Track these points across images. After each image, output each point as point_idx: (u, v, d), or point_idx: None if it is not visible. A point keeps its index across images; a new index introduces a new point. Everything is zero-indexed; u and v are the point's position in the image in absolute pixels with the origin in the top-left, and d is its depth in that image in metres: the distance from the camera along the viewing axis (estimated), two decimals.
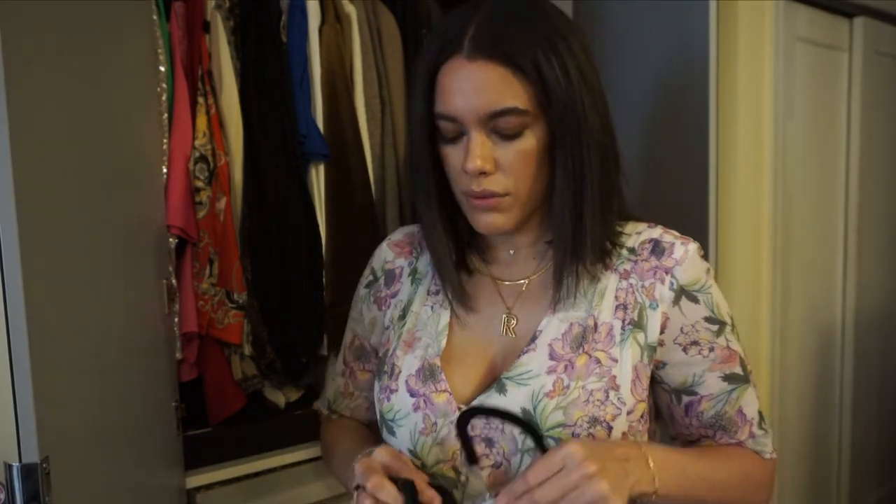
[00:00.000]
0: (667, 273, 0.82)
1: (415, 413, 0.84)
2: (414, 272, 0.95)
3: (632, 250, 0.85)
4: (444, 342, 0.87)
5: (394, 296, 0.95)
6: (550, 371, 0.80)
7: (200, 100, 1.47)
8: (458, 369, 0.85)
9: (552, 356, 0.81)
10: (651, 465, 0.74)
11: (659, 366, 0.85)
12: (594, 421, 0.78)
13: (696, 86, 1.67)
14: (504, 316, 0.87)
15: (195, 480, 1.47)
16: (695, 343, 0.84)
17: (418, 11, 1.79)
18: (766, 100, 1.87)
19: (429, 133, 0.81)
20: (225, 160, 1.49)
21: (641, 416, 0.82)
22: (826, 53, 2.09)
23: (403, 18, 1.75)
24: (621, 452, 0.73)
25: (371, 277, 1.00)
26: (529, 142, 0.78)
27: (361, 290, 1.01)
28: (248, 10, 1.54)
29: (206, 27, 1.51)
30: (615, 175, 0.83)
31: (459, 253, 0.90)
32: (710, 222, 1.66)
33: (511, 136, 0.77)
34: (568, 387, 0.79)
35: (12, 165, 0.76)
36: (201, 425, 1.52)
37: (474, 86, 0.75)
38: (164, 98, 1.41)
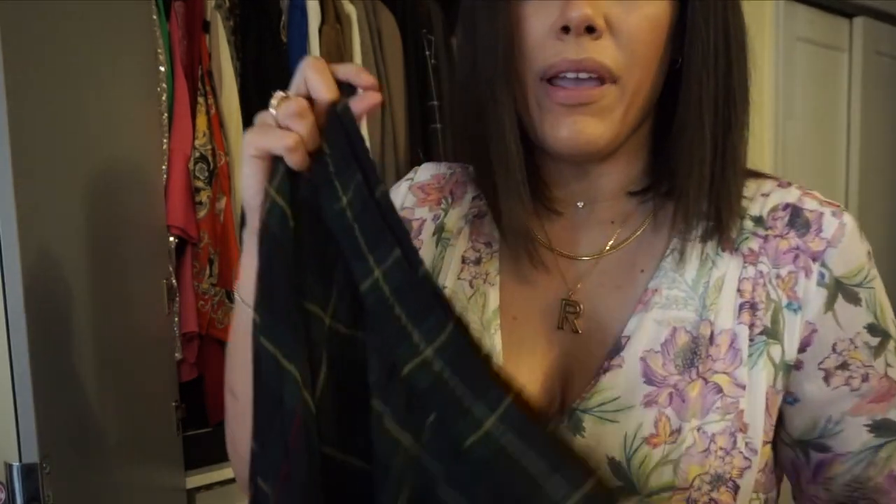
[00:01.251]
0: (815, 260, 0.55)
1: None
2: (441, 229, 0.66)
3: (759, 220, 0.57)
4: (497, 339, 0.59)
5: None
6: (649, 403, 0.54)
7: (200, 100, 1.47)
8: (518, 376, 0.54)
9: (649, 378, 0.54)
10: None
11: (787, 399, 0.57)
12: (717, 480, 0.53)
13: None
14: (562, 302, 0.59)
15: (195, 480, 1.47)
16: (843, 367, 0.55)
17: (418, 11, 1.80)
18: (767, 99, 1.88)
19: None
20: (225, 160, 1.49)
21: (766, 465, 0.57)
22: (826, 53, 2.09)
23: (403, 18, 1.76)
24: None
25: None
26: (661, 6, 0.53)
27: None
28: (248, 11, 1.54)
29: (206, 27, 1.51)
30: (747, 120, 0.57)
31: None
32: None
33: None
34: (679, 430, 0.53)
35: (12, 165, 0.76)
36: (201, 425, 1.52)
37: None
38: (164, 98, 1.41)
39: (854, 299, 0.55)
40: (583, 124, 0.53)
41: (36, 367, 0.79)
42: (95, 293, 0.99)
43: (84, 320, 0.95)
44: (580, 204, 0.61)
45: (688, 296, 0.56)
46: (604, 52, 0.52)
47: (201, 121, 1.46)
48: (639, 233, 0.59)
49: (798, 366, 0.55)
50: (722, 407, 0.53)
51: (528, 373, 0.57)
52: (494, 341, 0.59)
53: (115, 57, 1.12)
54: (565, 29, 0.51)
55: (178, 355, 1.42)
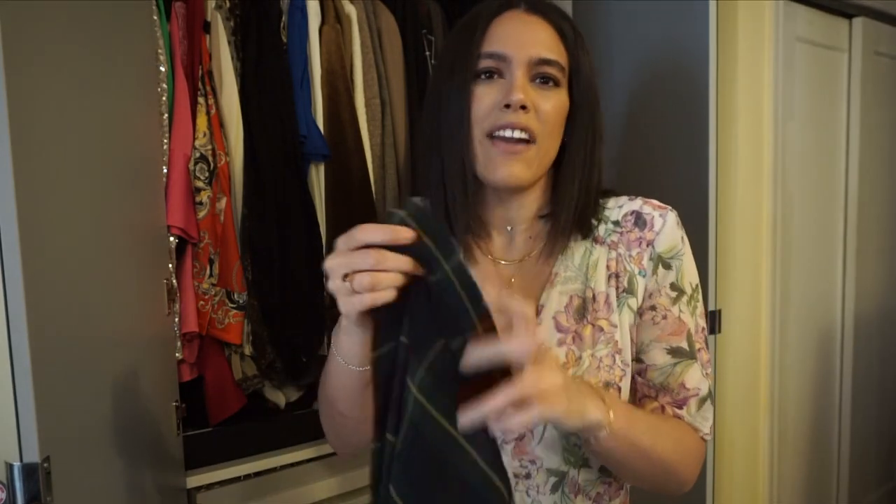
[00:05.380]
0: (649, 245, 0.88)
1: None
2: None
3: (616, 223, 0.90)
4: None
5: None
6: (560, 343, 0.85)
7: (200, 100, 1.47)
8: None
9: (559, 328, 0.86)
10: (606, 400, 0.75)
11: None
12: (607, 385, 0.84)
13: (696, 86, 1.68)
14: (505, 292, 0.87)
15: (195, 480, 1.47)
16: (652, 308, 0.88)
17: (418, 11, 1.80)
18: (766, 100, 1.88)
19: (473, 75, 0.85)
20: (225, 160, 1.49)
21: (633, 374, 0.89)
22: (826, 54, 2.09)
23: (403, 18, 1.76)
24: (584, 385, 0.76)
25: None
26: (562, 98, 0.86)
27: None
28: (248, 11, 1.54)
29: (207, 27, 1.51)
30: (602, 157, 0.91)
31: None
32: (710, 222, 1.66)
33: (550, 83, 0.85)
34: (580, 357, 0.85)
35: (12, 165, 0.76)
36: (201, 425, 1.52)
37: (530, 33, 0.84)
38: (164, 98, 1.42)
39: (667, 266, 0.88)
40: (514, 168, 0.84)
41: (36, 367, 0.79)
42: (95, 293, 0.99)
43: (84, 320, 0.95)
44: (509, 228, 0.92)
45: (576, 274, 0.89)
46: (530, 121, 0.83)
47: (201, 121, 1.46)
48: (544, 242, 0.91)
49: (639, 309, 0.88)
50: (604, 339, 0.86)
51: None
52: None
53: (115, 57, 1.12)
54: (508, 105, 0.82)
55: (178, 355, 1.42)
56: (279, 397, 1.62)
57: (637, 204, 0.91)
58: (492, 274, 0.91)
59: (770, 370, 1.95)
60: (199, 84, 1.47)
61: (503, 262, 0.92)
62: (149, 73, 1.33)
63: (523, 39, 0.84)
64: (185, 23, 1.48)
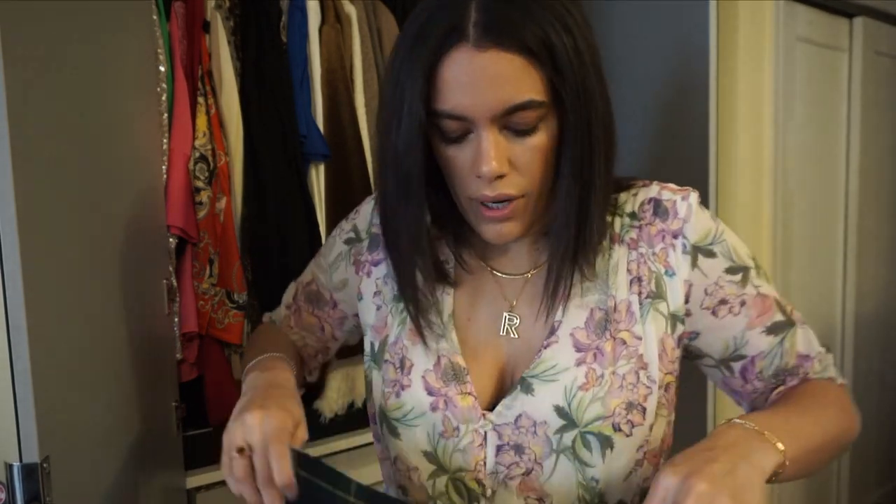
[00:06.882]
0: (676, 237, 0.75)
1: (432, 413, 0.76)
2: None
3: (633, 215, 0.77)
4: (454, 336, 0.79)
5: (375, 264, 0.86)
6: (580, 363, 0.74)
7: (200, 100, 1.47)
8: (475, 368, 0.78)
9: (578, 346, 0.75)
10: (765, 433, 0.64)
11: (691, 337, 0.78)
12: (630, 406, 0.73)
13: (696, 86, 1.67)
14: (505, 314, 0.79)
15: (195, 480, 1.47)
16: (723, 302, 0.76)
17: None
18: (766, 100, 1.88)
19: (422, 133, 0.69)
20: (225, 160, 1.49)
21: (666, 390, 0.76)
22: (826, 53, 2.09)
23: (403, 18, 1.75)
24: (723, 442, 0.62)
25: (352, 234, 0.90)
26: (543, 136, 0.69)
27: (339, 244, 0.91)
28: (248, 11, 1.54)
29: (206, 27, 1.51)
30: (614, 158, 0.75)
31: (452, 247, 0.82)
32: None
33: (526, 131, 0.68)
34: (602, 376, 0.73)
35: (12, 165, 0.76)
36: (201, 425, 1.52)
37: (487, 79, 0.65)
38: (164, 98, 1.41)
39: (710, 254, 0.76)
40: (505, 229, 0.72)
41: (36, 367, 0.79)
42: (95, 293, 0.99)
43: (84, 320, 0.95)
44: (512, 243, 0.79)
45: (595, 283, 0.76)
46: (510, 185, 0.69)
47: (201, 121, 1.46)
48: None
49: (688, 313, 0.76)
50: (626, 354, 0.74)
51: (487, 363, 0.78)
52: (454, 338, 0.78)
53: (115, 57, 1.12)
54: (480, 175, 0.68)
55: (178, 355, 1.42)
56: None
57: (654, 190, 0.78)
58: (491, 290, 0.80)
59: None
60: (199, 84, 1.47)
61: (505, 275, 0.80)
62: (149, 73, 1.33)
63: (482, 91, 0.65)
64: (184, 22, 1.48)
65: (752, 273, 0.78)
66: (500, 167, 0.67)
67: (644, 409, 0.73)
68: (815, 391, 0.78)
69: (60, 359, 0.87)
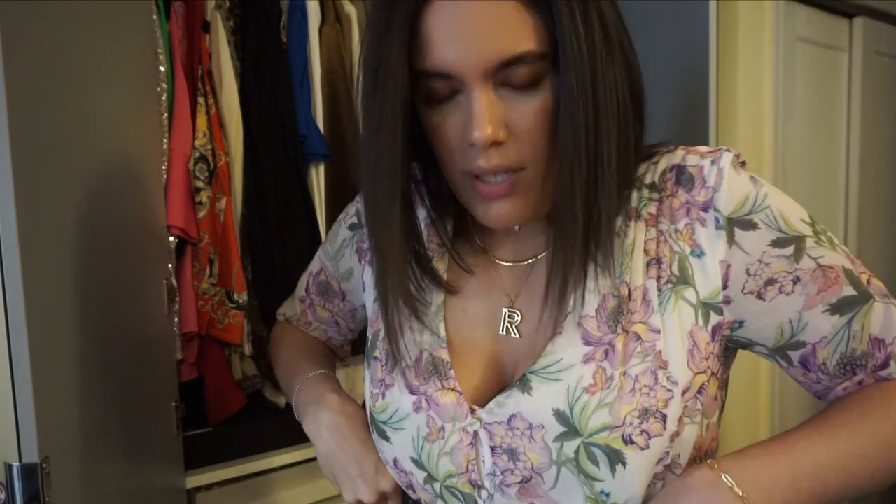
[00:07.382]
0: (706, 209, 0.62)
1: (416, 415, 0.69)
2: None
3: (652, 186, 0.65)
4: (442, 328, 0.70)
5: None
6: (588, 359, 0.62)
7: (200, 100, 1.47)
8: (463, 363, 0.69)
9: (587, 339, 0.62)
10: (739, 491, 0.56)
11: (734, 326, 0.64)
12: (645, 413, 0.60)
13: (697, 86, 1.67)
14: (505, 311, 0.69)
15: (195, 480, 1.47)
16: (770, 282, 0.62)
17: None
18: (766, 100, 1.87)
19: (403, 100, 0.59)
20: (225, 160, 1.49)
21: (699, 392, 0.62)
22: (826, 53, 2.09)
23: None
24: (687, 499, 0.57)
25: (355, 220, 0.83)
26: (546, 96, 0.59)
27: (344, 229, 0.85)
28: (248, 11, 1.54)
29: (206, 27, 1.51)
30: (640, 128, 0.65)
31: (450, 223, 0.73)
32: None
33: (526, 87, 0.58)
34: (612, 377, 0.61)
35: (12, 165, 0.76)
36: (201, 425, 1.52)
37: (477, 28, 0.56)
38: (164, 98, 1.42)
39: (750, 226, 0.61)
40: (508, 207, 0.62)
41: (36, 367, 0.79)
42: (95, 293, 0.99)
43: (84, 320, 0.95)
44: (516, 227, 0.70)
45: (608, 266, 0.63)
46: (509, 155, 0.59)
47: (201, 121, 1.46)
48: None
49: (727, 300, 0.62)
50: (641, 351, 0.61)
51: (480, 357, 0.68)
52: (440, 330, 0.70)
53: (115, 57, 1.12)
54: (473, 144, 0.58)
55: (178, 355, 1.42)
56: (279, 397, 1.62)
57: (678, 156, 0.65)
58: (491, 280, 0.71)
59: (770, 369, 1.94)
60: (199, 84, 1.47)
61: (506, 263, 0.71)
62: (149, 72, 1.33)
63: (471, 42, 0.56)
64: (184, 22, 1.48)
65: (809, 242, 0.62)
66: (496, 132, 0.57)
67: (664, 417, 0.60)
68: (865, 408, 0.62)
69: (60, 359, 0.87)
